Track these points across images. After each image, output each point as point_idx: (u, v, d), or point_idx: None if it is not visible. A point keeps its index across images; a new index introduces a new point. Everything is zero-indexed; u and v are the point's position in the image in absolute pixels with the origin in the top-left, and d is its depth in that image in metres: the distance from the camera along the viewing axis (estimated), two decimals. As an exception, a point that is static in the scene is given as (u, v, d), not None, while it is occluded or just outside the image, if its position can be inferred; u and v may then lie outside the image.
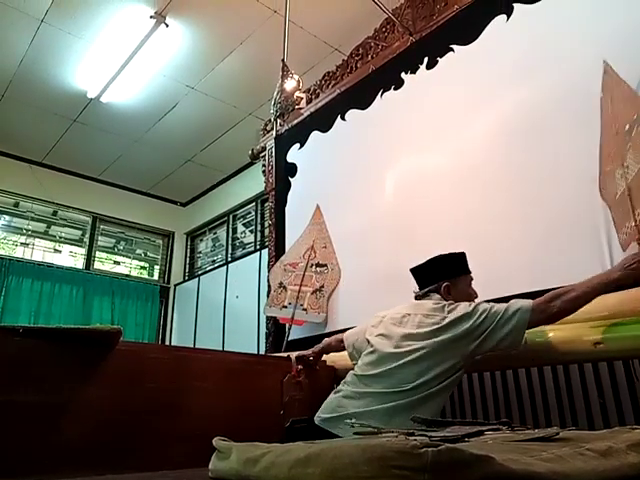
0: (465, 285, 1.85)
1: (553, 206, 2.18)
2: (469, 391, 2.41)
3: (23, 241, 5.79)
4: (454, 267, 1.86)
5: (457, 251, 1.90)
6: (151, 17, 3.74)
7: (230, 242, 6.07)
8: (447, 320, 1.67)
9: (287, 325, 3.24)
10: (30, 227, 5.85)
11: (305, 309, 3.18)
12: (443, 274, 1.84)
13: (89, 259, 6.10)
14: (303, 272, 3.30)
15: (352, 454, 0.67)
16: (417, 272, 1.93)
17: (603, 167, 1.99)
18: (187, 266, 6.78)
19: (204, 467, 1.00)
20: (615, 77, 2.02)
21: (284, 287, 3.37)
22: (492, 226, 2.40)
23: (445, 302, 1.76)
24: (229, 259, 5.89)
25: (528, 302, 1.63)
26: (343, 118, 3.46)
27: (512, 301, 1.68)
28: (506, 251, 2.32)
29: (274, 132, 4.09)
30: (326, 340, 2.32)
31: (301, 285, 3.27)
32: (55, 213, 6.05)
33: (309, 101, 3.69)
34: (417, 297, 1.89)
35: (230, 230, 6.13)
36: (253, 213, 5.79)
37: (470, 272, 1.89)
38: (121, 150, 5.65)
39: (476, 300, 1.85)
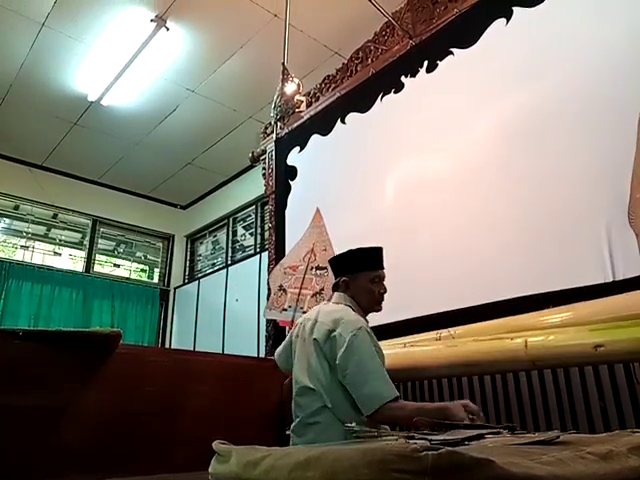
0: (366, 282, 1.79)
1: (554, 209, 2.18)
2: (469, 394, 2.41)
3: (23, 244, 5.79)
4: (355, 262, 1.83)
5: (374, 246, 1.86)
6: (152, 21, 3.75)
7: (230, 245, 6.07)
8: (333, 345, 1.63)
9: (287, 328, 3.23)
10: (30, 230, 5.85)
11: (305, 312, 3.18)
12: (344, 269, 1.84)
13: (89, 262, 6.10)
14: (303, 275, 3.30)
15: (352, 457, 0.67)
16: (330, 264, 1.95)
17: (634, 193, 1.88)
18: (187, 269, 6.78)
19: (204, 470, 1.00)
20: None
21: (284, 290, 3.37)
22: (493, 229, 2.40)
23: (343, 307, 1.75)
24: (229, 262, 5.89)
25: (390, 394, 1.53)
26: (343, 121, 3.46)
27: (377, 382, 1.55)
28: (507, 254, 2.32)
29: (274, 135, 4.10)
30: None
31: (301, 288, 3.26)
32: (55, 216, 6.06)
33: (309, 104, 3.70)
34: (332, 288, 1.90)
35: (230, 233, 6.13)
36: (253, 216, 5.80)
37: (378, 269, 1.83)
38: (121, 153, 5.66)
39: (384, 296, 1.81)
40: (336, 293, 1.85)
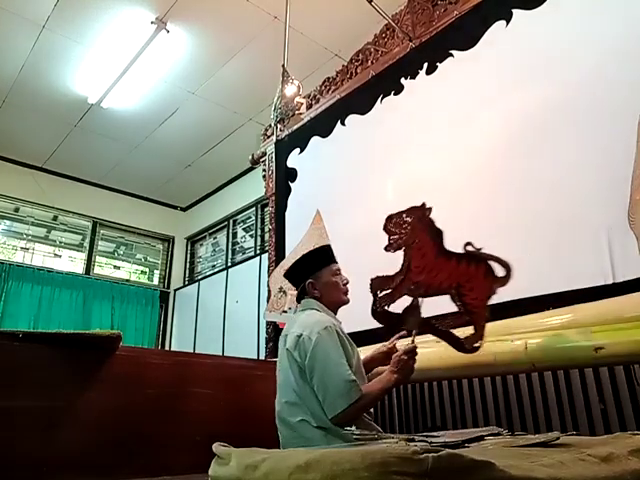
0: (329, 276, 1.85)
1: (554, 210, 2.18)
2: (470, 396, 2.41)
3: (23, 246, 5.79)
4: (314, 263, 1.87)
5: (321, 245, 1.95)
6: (152, 23, 3.75)
7: (230, 247, 6.07)
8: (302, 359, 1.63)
9: (287, 330, 3.23)
10: (30, 232, 5.86)
11: (305, 314, 3.17)
12: (306, 273, 1.86)
13: (89, 264, 6.10)
14: (303, 277, 3.30)
15: (352, 460, 0.67)
16: (288, 278, 1.97)
17: (634, 195, 1.87)
18: (187, 271, 6.78)
19: (204, 473, 1.00)
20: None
21: (284, 292, 3.37)
22: (492, 230, 2.40)
23: (309, 312, 1.77)
24: (229, 264, 5.89)
25: (351, 396, 1.53)
26: (343, 123, 3.47)
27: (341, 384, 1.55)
28: (506, 255, 2.31)
29: (274, 137, 4.10)
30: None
31: (301, 290, 3.26)
32: (55, 218, 6.06)
33: (309, 106, 3.70)
34: (297, 298, 1.92)
35: (230, 235, 6.13)
36: (253, 218, 5.80)
37: (333, 262, 1.89)
38: (121, 155, 5.66)
39: (348, 286, 1.88)
40: (302, 301, 1.87)
